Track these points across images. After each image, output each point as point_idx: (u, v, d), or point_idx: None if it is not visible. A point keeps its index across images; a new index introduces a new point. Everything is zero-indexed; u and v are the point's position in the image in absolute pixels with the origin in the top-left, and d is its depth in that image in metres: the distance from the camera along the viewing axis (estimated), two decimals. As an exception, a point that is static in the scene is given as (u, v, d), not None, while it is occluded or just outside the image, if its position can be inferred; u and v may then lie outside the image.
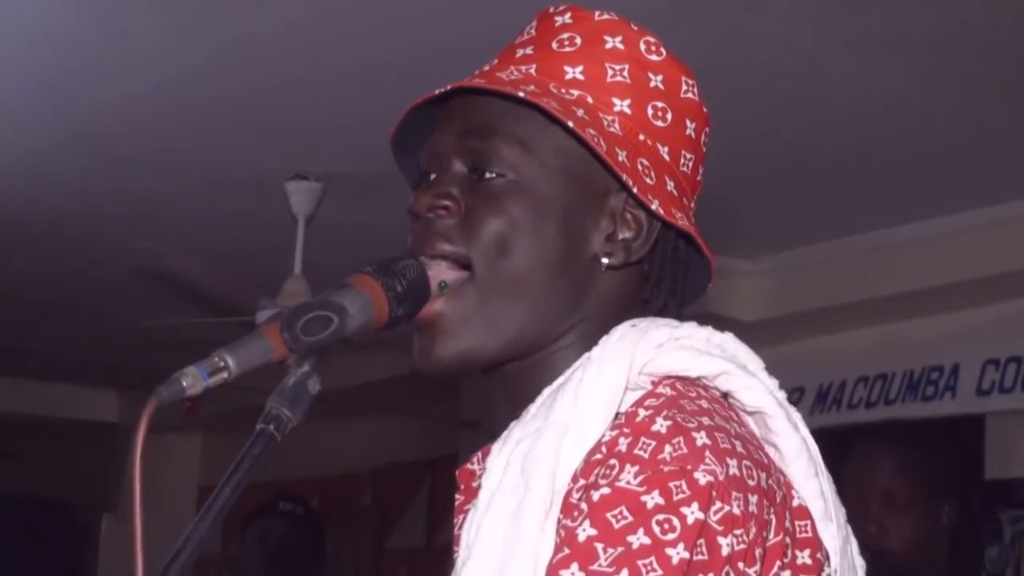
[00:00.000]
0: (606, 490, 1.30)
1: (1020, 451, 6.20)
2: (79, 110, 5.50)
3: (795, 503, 1.41)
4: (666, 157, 1.55)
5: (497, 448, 1.45)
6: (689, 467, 1.30)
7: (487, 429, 1.56)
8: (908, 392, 6.47)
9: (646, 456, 1.31)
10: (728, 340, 1.50)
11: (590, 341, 1.48)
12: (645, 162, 1.51)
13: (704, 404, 1.39)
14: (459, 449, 8.34)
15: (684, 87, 1.59)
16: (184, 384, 1.32)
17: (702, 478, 1.29)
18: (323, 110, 5.42)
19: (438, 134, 1.55)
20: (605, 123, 1.51)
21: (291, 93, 5.29)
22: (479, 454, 1.58)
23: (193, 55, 4.94)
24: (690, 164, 1.59)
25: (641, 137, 1.53)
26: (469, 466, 1.59)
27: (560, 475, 1.36)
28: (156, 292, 7.38)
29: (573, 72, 1.54)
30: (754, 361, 1.50)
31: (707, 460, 1.31)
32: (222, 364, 1.34)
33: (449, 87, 1.53)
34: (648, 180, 1.51)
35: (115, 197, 6.53)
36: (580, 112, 1.50)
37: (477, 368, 1.53)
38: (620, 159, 1.48)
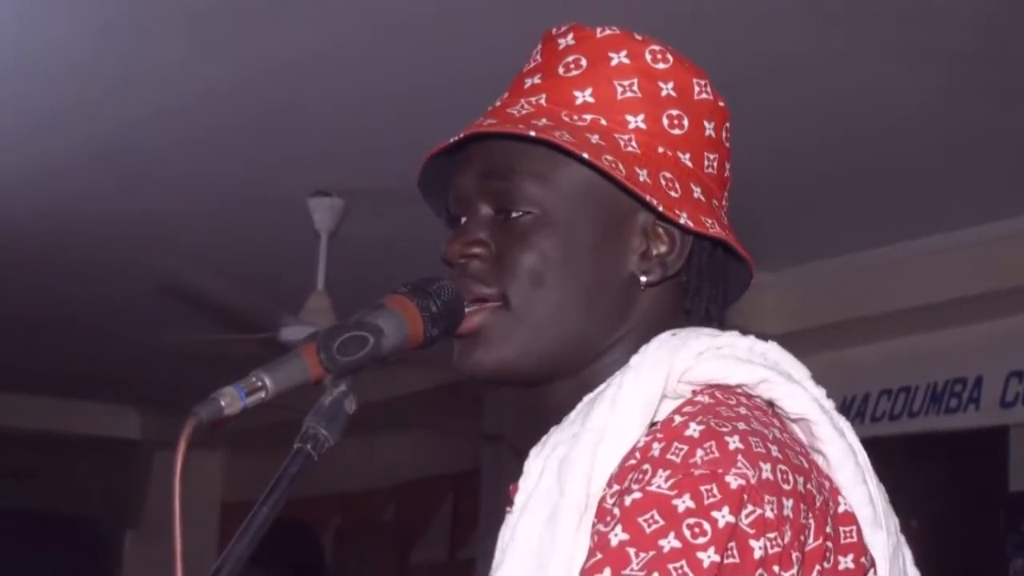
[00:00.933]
0: (638, 495, 1.31)
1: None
2: (102, 129, 5.53)
3: (840, 509, 1.40)
4: (688, 164, 1.54)
5: (535, 452, 1.46)
6: (720, 471, 1.30)
7: (521, 447, 1.57)
8: (932, 404, 6.47)
9: (678, 460, 1.31)
10: (771, 349, 1.50)
11: (637, 346, 1.49)
12: (668, 175, 1.51)
13: (742, 411, 1.39)
14: (481, 464, 8.34)
15: (697, 88, 1.57)
16: (222, 404, 1.33)
17: (733, 482, 1.30)
18: (344, 127, 5.44)
19: (459, 178, 1.56)
20: (621, 143, 1.51)
21: (312, 110, 5.31)
22: None
23: (214, 74, 4.96)
24: (715, 164, 1.57)
25: (660, 149, 1.52)
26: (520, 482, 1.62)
27: (595, 480, 1.37)
28: (178, 309, 7.40)
29: (583, 96, 1.54)
30: (799, 370, 1.50)
31: (739, 464, 1.31)
32: (260, 384, 1.35)
33: (462, 135, 1.53)
34: (673, 193, 1.51)
35: (137, 215, 6.55)
36: (595, 138, 1.50)
37: (515, 381, 1.54)
38: (641, 179, 1.49)
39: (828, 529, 1.37)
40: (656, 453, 1.33)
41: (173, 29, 4.65)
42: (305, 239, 6.30)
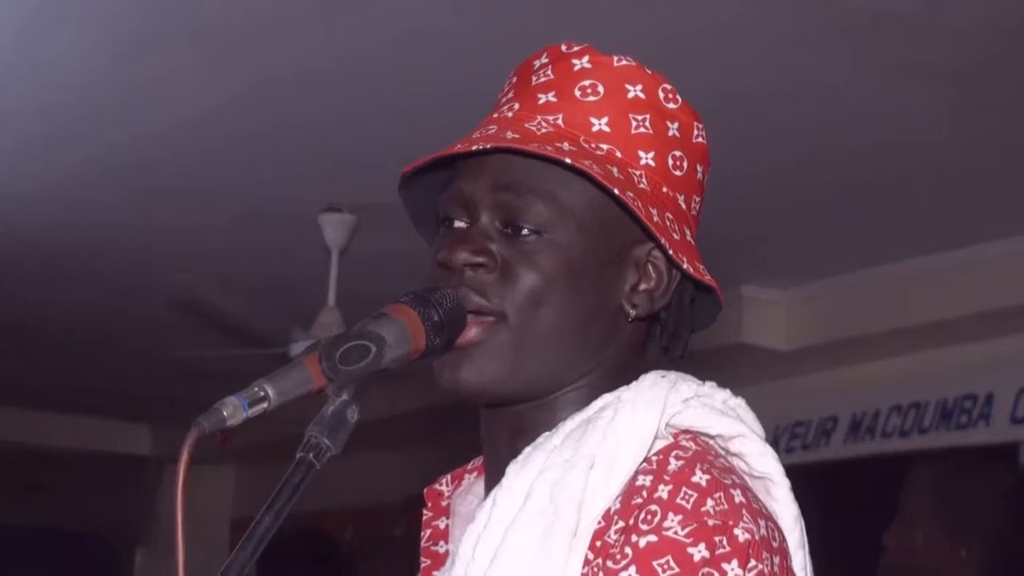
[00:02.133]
0: (652, 537, 1.34)
1: (1054, 479, 6.18)
2: (116, 144, 5.54)
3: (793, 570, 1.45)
4: (683, 206, 1.56)
5: (515, 470, 1.46)
6: (731, 523, 1.34)
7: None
8: (942, 421, 6.46)
9: (688, 507, 1.35)
10: (741, 405, 1.53)
11: (600, 386, 1.52)
12: (670, 216, 1.53)
13: (724, 463, 1.44)
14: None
15: (696, 132, 1.59)
16: (225, 414, 1.32)
17: (741, 535, 1.34)
18: (356, 143, 5.45)
19: (467, 184, 1.55)
20: (635, 179, 1.52)
21: (324, 126, 5.32)
22: (448, 477, 1.67)
23: (227, 89, 4.97)
24: (698, 207, 1.60)
25: (664, 189, 1.54)
26: (438, 487, 1.67)
27: (586, 507, 1.40)
28: (189, 325, 7.41)
29: (599, 124, 1.54)
30: (760, 430, 1.53)
31: (745, 518, 1.35)
32: (262, 394, 1.34)
33: (490, 146, 1.51)
34: (675, 236, 1.52)
35: (149, 231, 6.57)
36: (615, 171, 1.50)
37: (494, 400, 1.54)
38: (655, 219, 1.50)
39: None
40: (664, 495, 1.37)
41: (183, 43, 4.66)
42: (316, 255, 6.32)
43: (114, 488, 11.66)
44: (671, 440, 1.44)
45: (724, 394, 1.52)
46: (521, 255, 1.51)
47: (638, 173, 1.53)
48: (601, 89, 1.55)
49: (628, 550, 1.34)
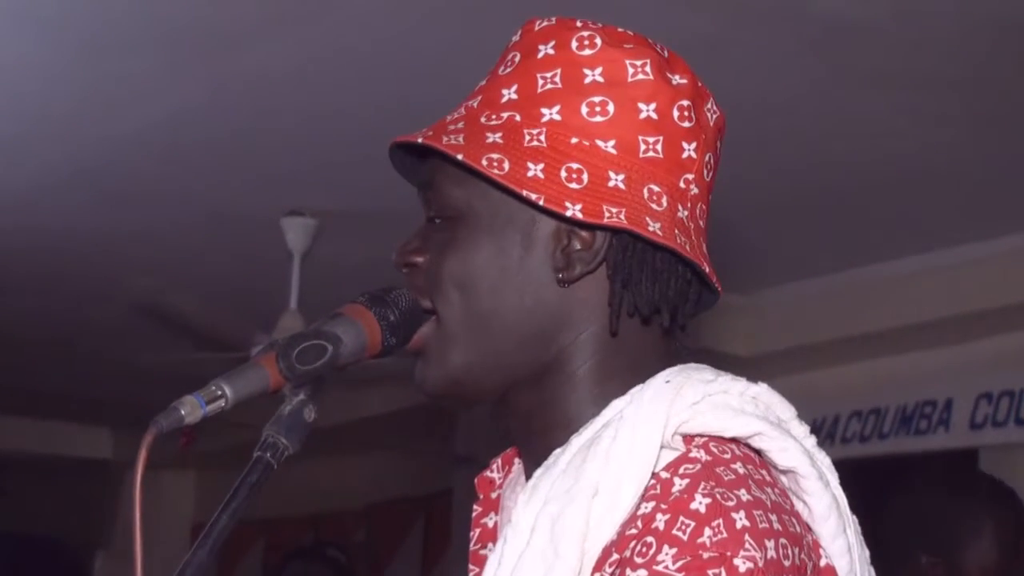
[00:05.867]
0: (643, 573, 1.27)
1: (1013, 485, 6.20)
2: (76, 147, 5.52)
3: (822, 563, 1.39)
4: (611, 151, 1.46)
5: (523, 500, 1.40)
6: (729, 553, 1.26)
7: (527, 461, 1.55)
8: (902, 426, 6.49)
9: (684, 538, 1.27)
10: (762, 392, 1.46)
11: (596, 357, 1.48)
12: (574, 166, 1.44)
13: (739, 469, 1.36)
14: (453, 485, 8.34)
15: (631, 71, 1.50)
16: (182, 413, 1.33)
17: (742, 565, 1.26)
18: (319, 147, 5.44)
19: (419, 191, 1.57)
20: (527, 139, 1.46)
21: (287, 131, 5.31)
22: (499, 461, 1.60)
23: (189, 93, 4.96)
24: (658, 146, 1.48)
25: (574, 140, 1.46)
26: (488, 474, 1.61)
27: (591, 539, 1.34)
28: (150, 329, 7.39)
29: (508, 93, 1.50)
30: (786, 410, 1.47)
31: (747, 545, 1.27)
32: (219, 393, 1.35)
33: (391, 146, 1.56)
34: (573, 184, 1.43)
35: (111, 234, 6.54)
36: (494, 137, 1.46)
37: (471, 395, 1.51)
38: (530, 174, 1.43)
39: None
40: (660, 526, 1.29)
41: (146, 47, 4.64)
42: (278, 259, 6.31)
43: (75, 492, 11.61)
44: (682, 450, 1.37)
45: (741, 385, 1.44)
46: (439, 244, 1.50)
47: (535, 131, 1.46)
48: (517, 58, 1.53)
49: None
